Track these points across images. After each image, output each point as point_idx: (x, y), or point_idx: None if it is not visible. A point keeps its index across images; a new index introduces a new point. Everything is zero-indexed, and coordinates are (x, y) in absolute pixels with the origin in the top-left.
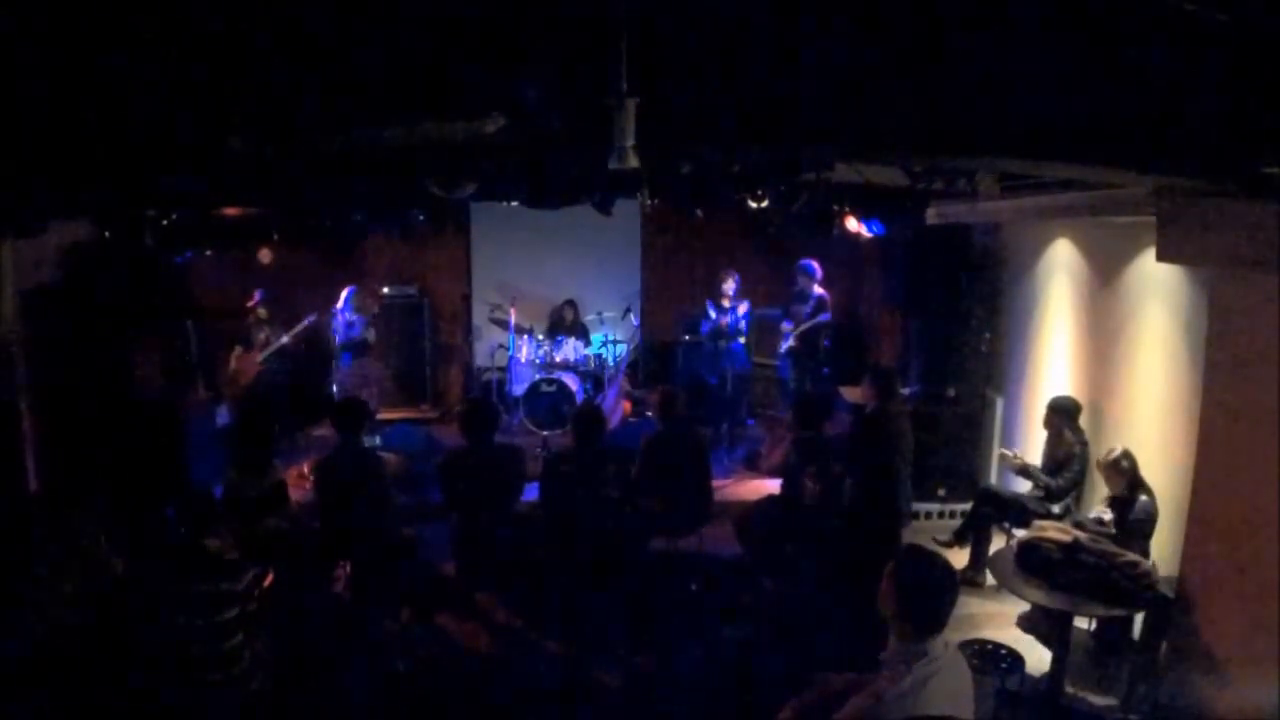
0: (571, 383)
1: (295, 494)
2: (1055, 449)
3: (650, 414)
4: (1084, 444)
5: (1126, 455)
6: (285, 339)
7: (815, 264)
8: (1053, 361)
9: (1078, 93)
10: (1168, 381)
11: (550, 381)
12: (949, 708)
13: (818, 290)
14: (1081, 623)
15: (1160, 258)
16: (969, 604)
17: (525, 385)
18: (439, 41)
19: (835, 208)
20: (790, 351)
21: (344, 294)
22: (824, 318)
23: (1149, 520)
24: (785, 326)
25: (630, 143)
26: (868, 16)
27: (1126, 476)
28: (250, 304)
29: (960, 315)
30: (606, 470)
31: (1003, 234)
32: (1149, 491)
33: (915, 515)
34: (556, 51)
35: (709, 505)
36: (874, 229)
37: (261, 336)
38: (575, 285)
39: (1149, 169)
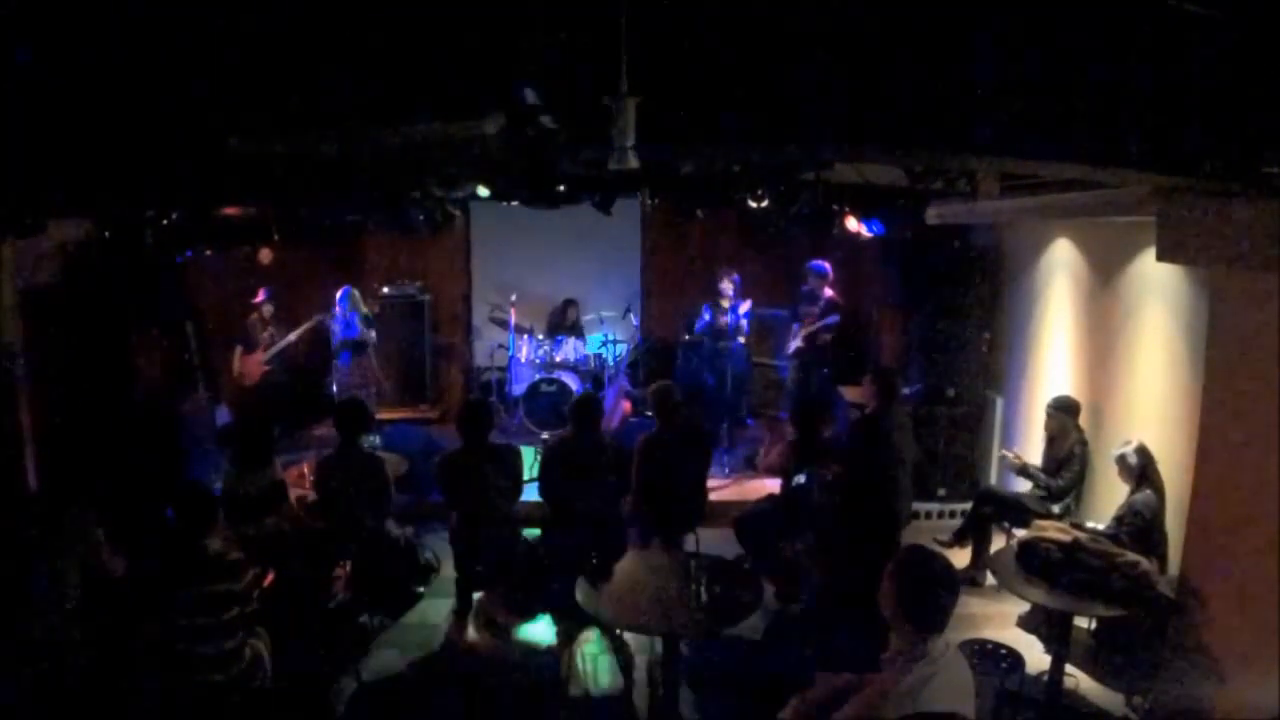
0: (571, 383)
1: (295, 494)
2: (1055, 449)
3: (649, 414)
4: (1084, 444)
5: (1132, 453)
6: (291, 337)
7: (827, 265)
8: (1053, 361)
9: (1077, 91)
10: (1168, 381)
11: (550, 381)
12: (950, 707)
13: (828, 292)
14: (1081, 622)
15: (1160, 258)
16: (969, 604)
17: (525, 385)
18: (439, 41)
19: (835, 208)
20: (797, 352)
21: (339, 294)
22: (831, 320)
23: (1142, 517)
24: (797, 329)
25: (630, 143)
26: (867, 15)
27: (1132, 473)
28: (256, 301)
29: (960, 315)
30: (605, 456)
31: (1003, 234)
32: (1156, 489)
33: (915, 515)
34: (556, 51)
35: (703, 508)
36: (874, 229)
37: (264, 336)
38: (575, 285)
39: (1149, 169)
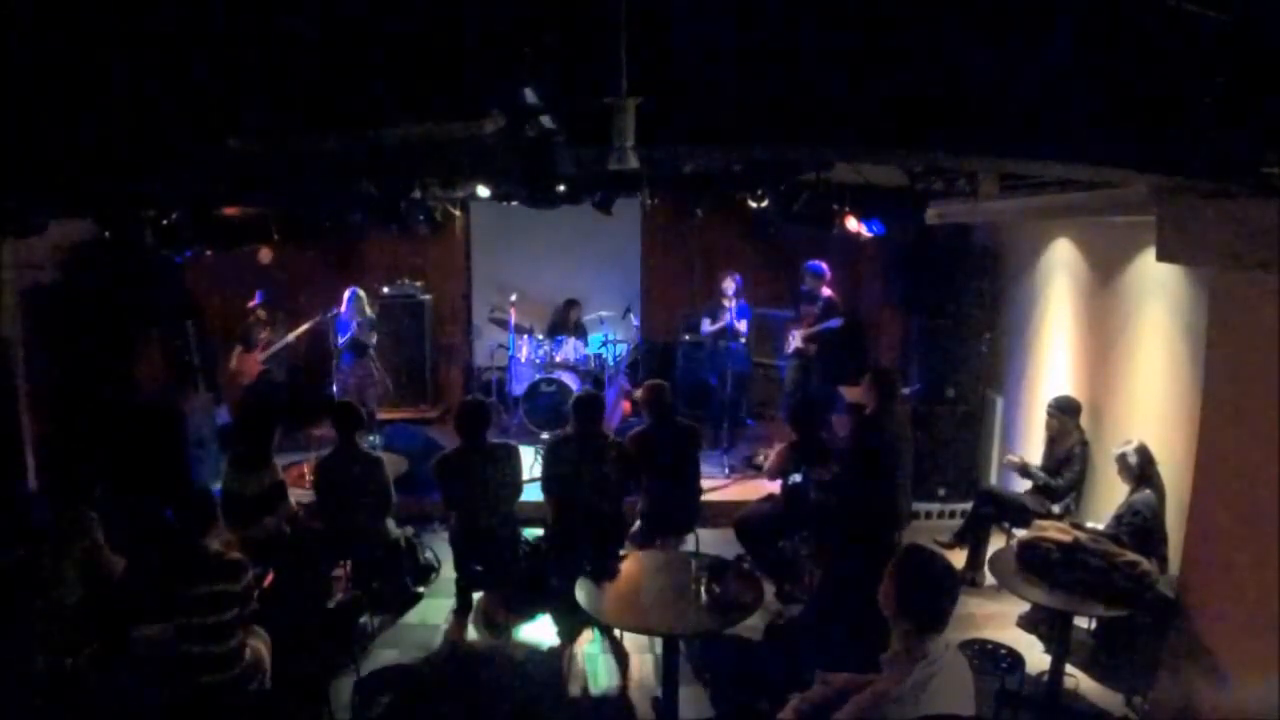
0: (571, 383)
1: (295, 494)
2: (1056, 449)
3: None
4: (1084, 444)
5: (1132, 452)
6: (290, 338)
7: (824, 265)
8: (1053, 361)
9: (1077, 92)
10: (1168, 381)
11: (550, 381)
12: (950, 708)
13: (826, 292)
14: (1081, 622)
15: (1160, 258)
16: (969, 604)
17: (525, 385)
18: (439, 41)
19: (835, 208)
20: (797, 353)
21: (346, 295)
22: (834, 323)
23: (1142, 517)
24: (794, 331)
25: (630, 143)
26: (868, 15)
27: (1132, 473)
28: (251, 304)
29: (960, 315)
30: (606, 451)
31: (1003, 234)
32: (1156, 489)
33: (915, 515)
34: (556, 51)
35: (698, 504)
36: (874, 229)
37: (262, 336)
38: (575, 285)
39: (1149, 169)
